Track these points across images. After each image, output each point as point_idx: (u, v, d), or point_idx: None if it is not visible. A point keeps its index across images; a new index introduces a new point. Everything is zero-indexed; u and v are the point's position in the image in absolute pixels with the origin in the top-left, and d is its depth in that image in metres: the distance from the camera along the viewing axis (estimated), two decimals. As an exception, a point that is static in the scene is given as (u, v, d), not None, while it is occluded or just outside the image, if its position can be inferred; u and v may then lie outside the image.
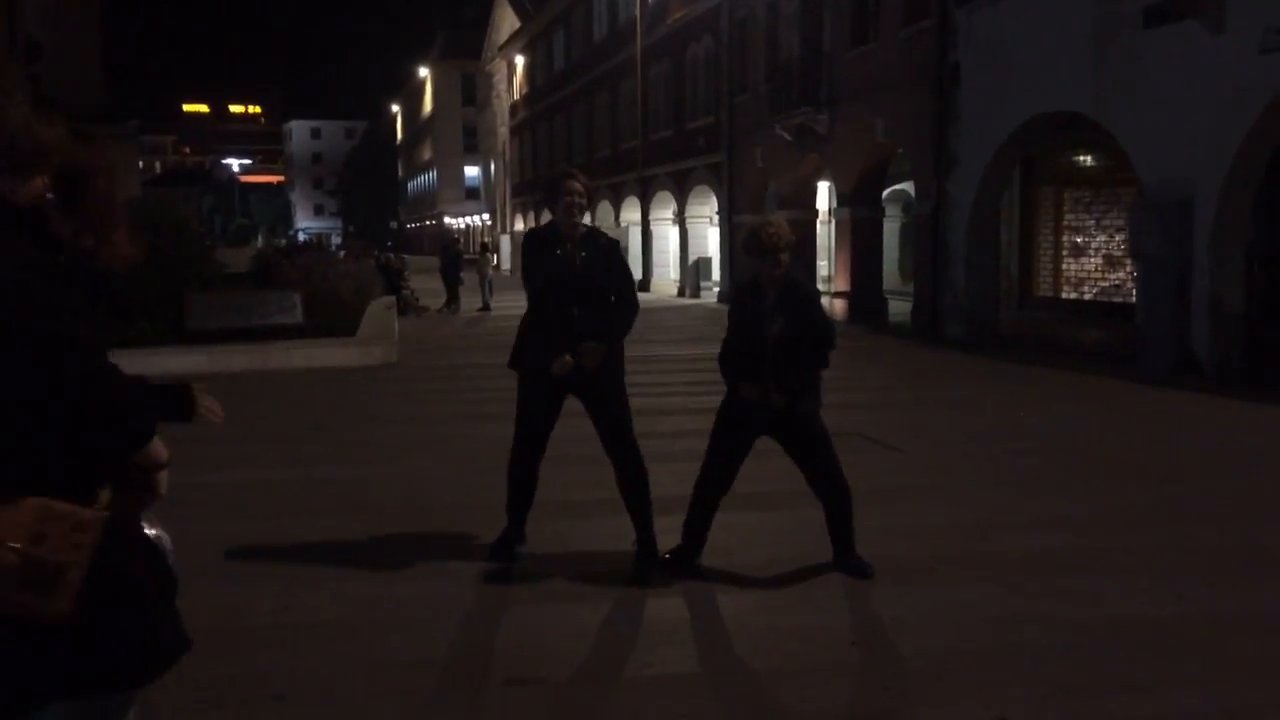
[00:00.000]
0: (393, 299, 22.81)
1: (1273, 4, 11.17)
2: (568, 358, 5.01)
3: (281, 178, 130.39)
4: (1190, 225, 12.55)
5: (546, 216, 5.38)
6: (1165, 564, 5.28)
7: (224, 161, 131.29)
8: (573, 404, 5.26)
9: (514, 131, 53.41)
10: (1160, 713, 3.66)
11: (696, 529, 5.19)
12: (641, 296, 25.39)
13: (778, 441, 5.11)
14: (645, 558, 5.25)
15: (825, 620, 4.56)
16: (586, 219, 5.36)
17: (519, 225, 50.91)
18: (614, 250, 5.33)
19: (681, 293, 29.87)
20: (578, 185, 5.17)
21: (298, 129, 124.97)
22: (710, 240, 29.95)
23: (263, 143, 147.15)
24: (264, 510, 6.48)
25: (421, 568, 5.29)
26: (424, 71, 78.19)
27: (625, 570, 5.19)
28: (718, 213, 28.17)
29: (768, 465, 5.58)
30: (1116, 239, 16.39)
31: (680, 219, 30.32)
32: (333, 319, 15.45)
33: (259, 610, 4.70)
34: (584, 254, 5.13)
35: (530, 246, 5.30)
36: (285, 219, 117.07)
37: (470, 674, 4.04)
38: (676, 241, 31.32)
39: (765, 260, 4.96)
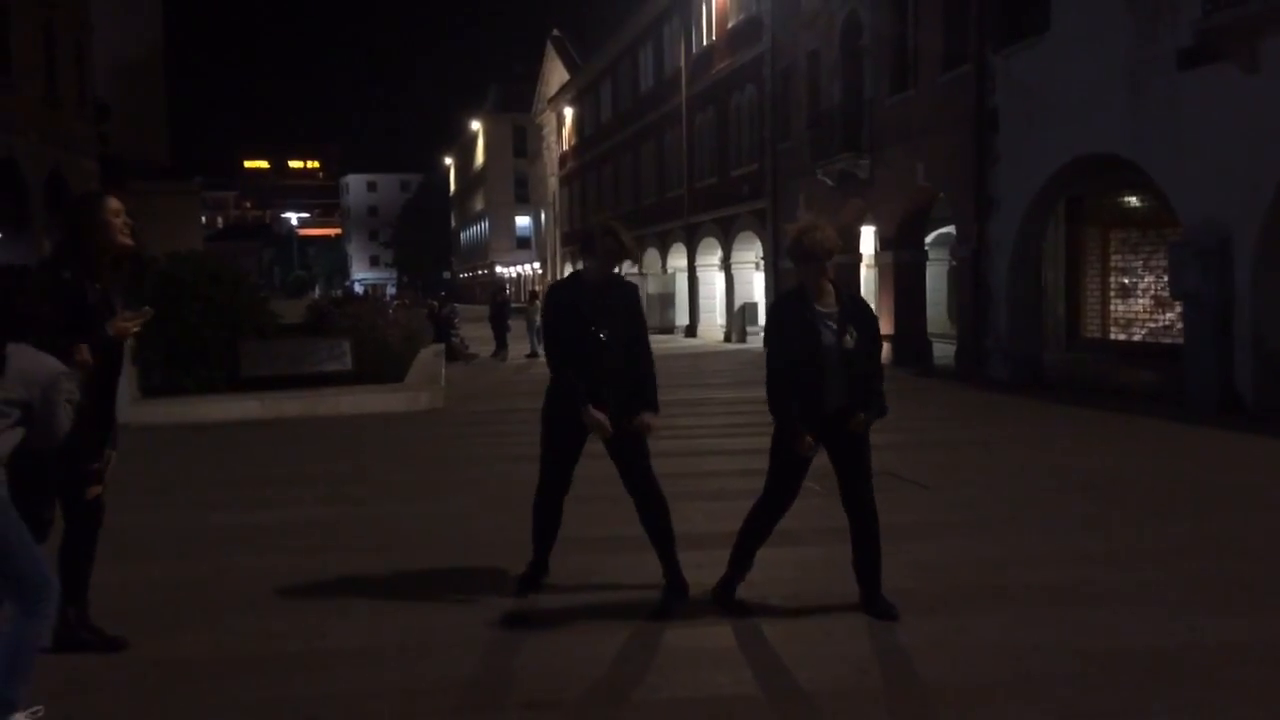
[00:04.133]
0: (441, 346, 23.38)
1: (1305, 43, 11.21)
2: (603, 418, 5.11)
3: (339, 230, 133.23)
4: (1230, 264, 12.51)
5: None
6: (1181, 597, 5.31)
7: (283, 215, 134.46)
8: (595, 445, 5.43)
9: (563, 181, 54.28)
10: (1160, 737, 3.73)
11: (745, 555, 5.26)
12: (688, 342, 25.68)
13: (828, 450, 5.09)
14: (671, 591, 5.36)
15: (839, 650, 4.67)
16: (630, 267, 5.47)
17: (568, 273, 51.54)
18: (634, 297, 5.46)
19: (728, 338, 30.04)
20: (623, 237, 5.26)
21: (354, 183, 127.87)
22: (756, 285, 30.14)
23: (321, 197, 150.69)
24: (305, 546, 6.74)
25: (450, 599, 5.49)
26: (476, 125, 79.87)
27: (646, 603, 5.33)
28: (762, 258, 28.40)
29: (800, 504, 5.63)
30: (1164, 280, 16.28)
31: (726, 265, 30.58)
32: (381, 366, 15.85)
33: (296, 638, 4.93)
34: (605, 303, 5.23)
35: (552, 299, 5.43)
36: (342, 270, 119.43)
37: (491, 698, 4.22)
38: (722, 287, 31.56)
39: (809, 266, 4.96)
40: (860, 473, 5.09)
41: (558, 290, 5.50)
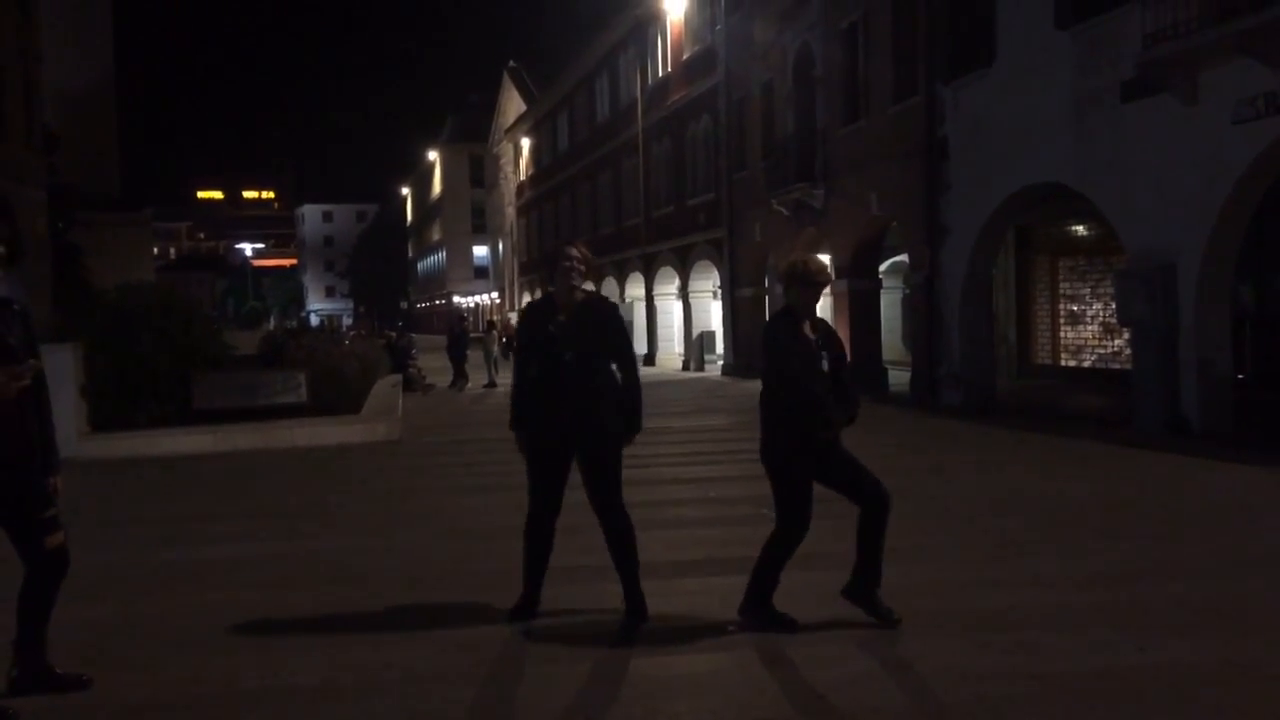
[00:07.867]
0: (399, 377, 23.22)
1: (1241, 77, 11.55)
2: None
3: (294, 261, 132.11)
4: (1175, 291, 12.79)
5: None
6: (1131, 618, 5.40)
7: (237, 246, 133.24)
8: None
9: (520, 211, 54.33)
10: (1111, 758, 3.78)
11: (769, 583, 5.32)
12: (647, 370, 25.44)
13: (820, 478, 5.29)
14: (631, 615, 5.43)
15: (796, 677, 4.69)
16: (589, 287, 5.61)
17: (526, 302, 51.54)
18: (612, 316, 5.53)
19: (686, 366, 30.12)
20: (575, 251, 5.41)
21: (310, 213, 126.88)
22: (713, 314, 30.31)
23: (275, 227, 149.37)
24: (260, 581, 6.65)
25: (408, 634, 5.45)
26: (433, 155, 79.75)
27: (606, 631, 5.33)
28: (719, 287, 28.58)
29: (749, 531, 5.68)
30: (1112, 307, 16.62)
31: (684, 294, 30.73)
32: (337, 397, 15.72)
33: (252, 675, 4.85)
34: (578, 323, 5.32)
35: (525, 319, 5.59)
36: (298, 301, 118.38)
37: (449, 732, 4.19)
38: (680, 316, 31.70)
39: (812, 291, 5.20)
40: (863, 467, 5.38)
41: (528, 309, 5.68)
